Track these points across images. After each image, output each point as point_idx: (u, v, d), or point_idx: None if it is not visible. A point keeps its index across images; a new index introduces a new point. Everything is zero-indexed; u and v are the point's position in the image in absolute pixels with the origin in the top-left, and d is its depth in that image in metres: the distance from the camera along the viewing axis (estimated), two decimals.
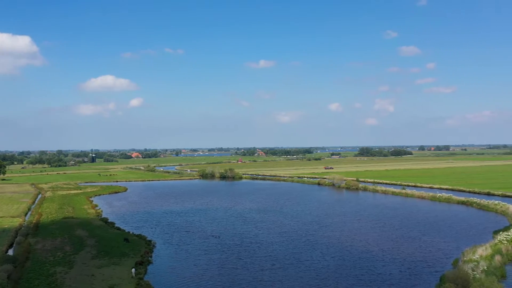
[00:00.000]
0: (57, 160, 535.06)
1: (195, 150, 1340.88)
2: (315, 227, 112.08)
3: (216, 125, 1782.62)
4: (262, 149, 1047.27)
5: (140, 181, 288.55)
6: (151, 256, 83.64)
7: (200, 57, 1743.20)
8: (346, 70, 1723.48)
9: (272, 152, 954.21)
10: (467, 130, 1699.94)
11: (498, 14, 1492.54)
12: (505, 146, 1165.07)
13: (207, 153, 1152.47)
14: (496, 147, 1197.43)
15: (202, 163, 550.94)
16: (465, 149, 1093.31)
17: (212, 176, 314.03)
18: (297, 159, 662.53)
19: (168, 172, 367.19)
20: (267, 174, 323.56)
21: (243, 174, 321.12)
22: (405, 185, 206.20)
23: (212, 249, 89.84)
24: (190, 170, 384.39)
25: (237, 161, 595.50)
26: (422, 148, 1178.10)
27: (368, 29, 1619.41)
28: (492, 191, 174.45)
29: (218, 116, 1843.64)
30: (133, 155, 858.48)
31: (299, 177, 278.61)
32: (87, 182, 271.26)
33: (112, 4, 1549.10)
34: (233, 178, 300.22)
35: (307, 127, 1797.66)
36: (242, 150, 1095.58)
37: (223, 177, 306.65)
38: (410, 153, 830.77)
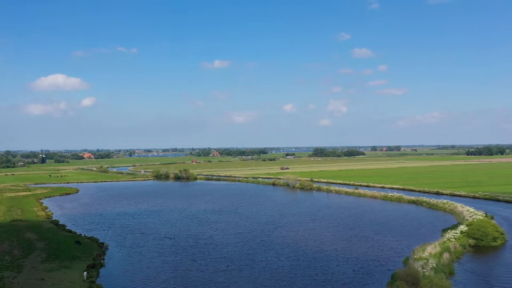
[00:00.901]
0: (5, 161, 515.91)
1: (149, 151, 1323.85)
2: (270, 228, 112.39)
3: (170, 125, 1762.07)
4: (217, 150, 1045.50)
5: (92, 182, 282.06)
6: (103, 259, 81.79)
7: (154, 57, 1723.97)
8: (301, 72, 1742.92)
9: (227, 152, 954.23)
10: (417, 131, 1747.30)
11: (446, 18, 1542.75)
12: (453, 147, 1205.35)
13: (161, 154, 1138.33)
14: (445, 147, 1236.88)
15: (156, 163, 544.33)
16: (416, 150, 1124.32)
17: (166, 177, 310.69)
18: (252, 160, 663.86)
19: (121, 173, 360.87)
20: (222, 174, 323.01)
21: (198, 174, 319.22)
22: (358, 185, 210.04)
23: (166, 251, 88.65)
24: (144, 171, 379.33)
25: (192, 161, 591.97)
26: (374, 148, 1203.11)
27: (322, 31, 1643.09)
28: (441, 191, 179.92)
29: (173, 116, 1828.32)
30: (85, 156, 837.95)
31: (254, 178, 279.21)
32: (37, 184, 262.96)
33: (62, 0, 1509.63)
34: (188, 178, 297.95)
35: (262, 127, 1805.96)
36: (197, 150, 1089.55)
37: (177, 178, 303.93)
38: (363, 154, 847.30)
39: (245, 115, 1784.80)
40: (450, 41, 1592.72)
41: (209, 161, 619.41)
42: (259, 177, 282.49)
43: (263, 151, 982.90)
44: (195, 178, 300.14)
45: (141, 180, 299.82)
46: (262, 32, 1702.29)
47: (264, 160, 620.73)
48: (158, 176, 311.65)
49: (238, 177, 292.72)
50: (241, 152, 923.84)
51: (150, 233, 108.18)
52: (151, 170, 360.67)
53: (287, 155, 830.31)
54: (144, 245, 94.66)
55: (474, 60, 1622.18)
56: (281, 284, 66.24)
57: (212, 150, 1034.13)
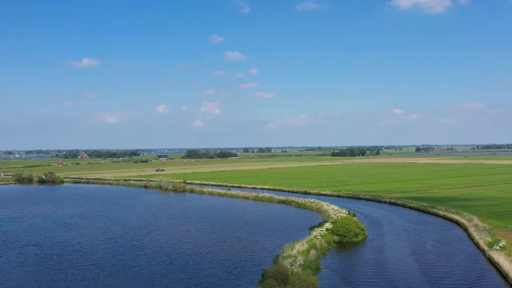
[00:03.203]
0: None
1: (10, 153, 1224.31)
2: (143, 232, 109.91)
3: (34, 125, 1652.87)
4: (85, 151, 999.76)
5: None
6: None
7: (12, 52, 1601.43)
8: (174, 73, 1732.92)
9: (97, 154, 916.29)
10: (287, 133, 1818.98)
11: (313, 24, 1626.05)
12: (319, 148, 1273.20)
13: (24, 156, 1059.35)
14: (312, 149, 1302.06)
15: (19, 166, 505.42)
16: (285, 151, 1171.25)
17: (29, 180, 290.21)
18: (123, 162, 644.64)
19: None
20: (92, 177, 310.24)
21: (65, 177, 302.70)
22: (231, 186, 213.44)
23: (28, 260, 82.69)
24: (4, 174, 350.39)
25: (58, 164, 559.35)
26: (246, 150, 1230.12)
27: (195, 32, 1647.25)
28: (308, 190, 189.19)
29: (37, 115, 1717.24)
30: None
31: (125, 180, 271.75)
32: None
33: None
34: (54, 182, 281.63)
35: (134, 128, 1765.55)
36: (64, 152, 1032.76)
37: (42, 181, 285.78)
38: (235, 155, 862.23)
39: (116, 115, 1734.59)
40: (316, 46, 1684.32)
41: (77, 164, 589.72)
42: (131, 180, 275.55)
43: (134, 153, 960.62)
44: (62, 182, 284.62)
45: (1, 184, 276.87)
46: (133, 30, 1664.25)
47: (136, 162, 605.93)
48: (20, 180, 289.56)
49: (109, 179, 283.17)
50: (111, 154, 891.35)
51: (11, 241, 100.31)
52: (12, 174, 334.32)
53: (159, 156, 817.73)
54: (3, 254, 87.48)
55: (338, 66, 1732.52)
56: None
57: (81, 152, 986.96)
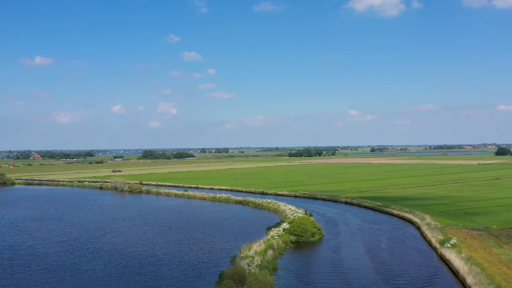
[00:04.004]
0: None
1: None
2: (98, 234, 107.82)
3: None
4: (38, 152, 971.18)
5: None
6: None
7: None
8: (131, 72, 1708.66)
9: (50, 155, 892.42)
10: (245, 133, 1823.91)
11: (270, 25, 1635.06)
12: (277, 149, 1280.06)
13: None
14: (270, 149, 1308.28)
15: None
16: (243, 152, 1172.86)
17: None
18: (77, 163, 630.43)
19: None
20: (44, 178, 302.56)
21: (16, 179, 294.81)
22: (188, 187, 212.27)
23: None
24: None
25: (9, 165, 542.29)
26: (203, 150, 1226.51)
27: (152, 31, 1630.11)
28: (266, 191, 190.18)
29: None
30: None
31: (79, 181, 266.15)
32: None
33: None
34: (4, 184, 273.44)
35: (89, 129, 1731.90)
36: (15, 153, 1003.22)
37: None
38: (193, 156, 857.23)
39: (70, 115, 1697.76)
40: (274, 47, 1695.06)
41: (29, 165, 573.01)
42: (86, 181, 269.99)
43: (89, 154, 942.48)
44: (13, 183, 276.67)
45: None
46: (88, 29, 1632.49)
47: (90, 163, 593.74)
48: None
49: (62, 181, 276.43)
50: (65, 155, 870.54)
51: None
52: None
53: (115, 157, 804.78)
54: None
55: (295, 67, 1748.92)
56: None
57: (33, 152, 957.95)
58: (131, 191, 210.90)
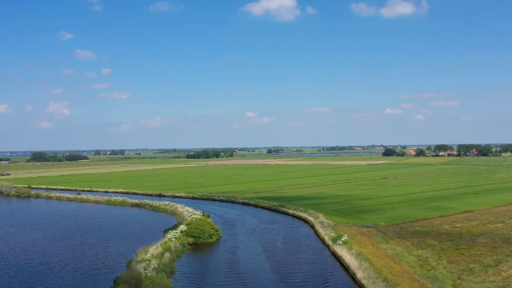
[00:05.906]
0: None
1: None
2: None
3: None
4: None
5: None
6: None
7: None
8: (18, 70, 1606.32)
9: None
10: (141, 135, 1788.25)
11: (167, 25, 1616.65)
12: (174, 150, 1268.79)
13: None
14: (167, 151, 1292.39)
15: None
16: (139, 153, 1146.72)
17: None
18: None
19: None
20: None
21: None
22: (81, 190, 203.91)
23: None
24: None
25: None
26: (98, 152, 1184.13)
27: (41, 28, 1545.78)
28: (163, 193, 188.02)
29: None
30: None
31: None
32: None
33: None
34: None
35: None
36: None
37: None
38: (86, 158, 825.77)
39: None
40: (170, 48, 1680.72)
41: None
42: None
43: None
44: None
45: None
46: None
47: None
48: None
49: None
50: None
51: None
52: None
53: (0, 160, 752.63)
54: None
55: (193, 68, 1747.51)
56: None
57: None
58: (18, 196, 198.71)
